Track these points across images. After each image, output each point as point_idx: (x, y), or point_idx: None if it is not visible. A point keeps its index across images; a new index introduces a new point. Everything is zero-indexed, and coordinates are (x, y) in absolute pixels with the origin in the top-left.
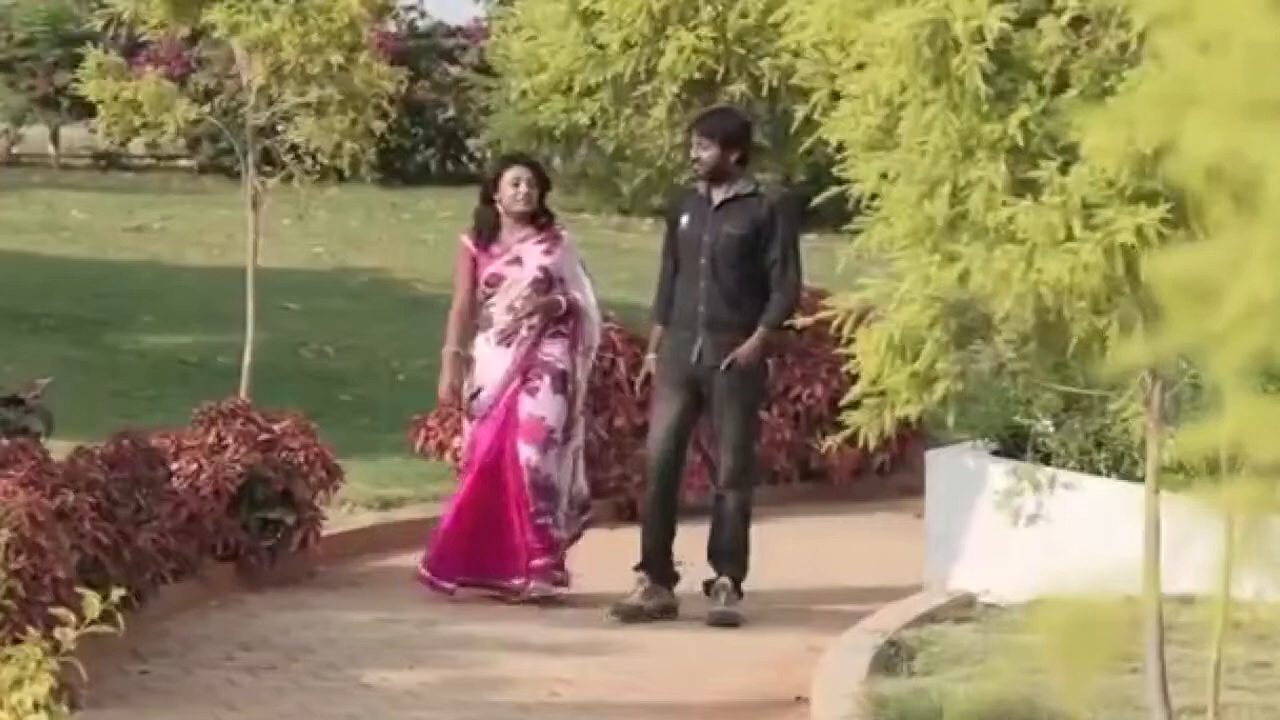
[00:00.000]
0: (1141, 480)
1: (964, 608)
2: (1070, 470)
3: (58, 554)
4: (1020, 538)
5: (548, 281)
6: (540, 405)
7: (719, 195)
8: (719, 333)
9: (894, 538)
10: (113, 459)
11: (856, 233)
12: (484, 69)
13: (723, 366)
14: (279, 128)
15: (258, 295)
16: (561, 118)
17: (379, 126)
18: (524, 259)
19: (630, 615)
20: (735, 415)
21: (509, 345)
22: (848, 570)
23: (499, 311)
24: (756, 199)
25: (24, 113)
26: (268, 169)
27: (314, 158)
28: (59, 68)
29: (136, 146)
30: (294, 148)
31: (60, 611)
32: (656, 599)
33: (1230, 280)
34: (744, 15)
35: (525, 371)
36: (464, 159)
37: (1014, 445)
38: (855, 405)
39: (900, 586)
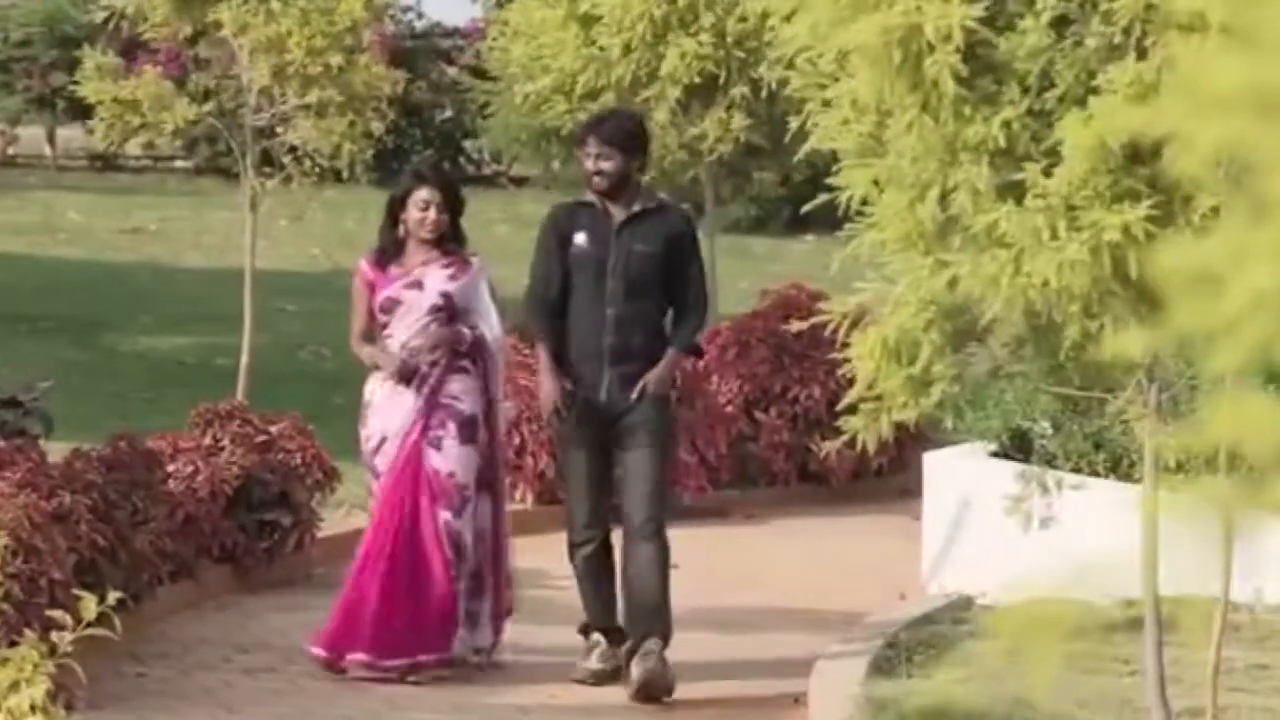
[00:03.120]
0: (1140, 481)
1: (962, 610)
2: (1069, 472)
3: (55, 556)
4: (1019, 540)
5: (449, 311)
6: (446, 459)
7: (620, 210)
8: (626, 364)
9: (892, 539)
10: (110, 461)
11: (851, 237)
12: (480, 72)
13: (633, 396)
14: (278, 129)
15: (255, 297)
16: (565, 118)
17: (377, 128)
18: (424, 283)
19: (597, 680)
20: (648, 454)
21: (409, 385)
22: (846, 572)
23: (396, 345)
24: (665, 212)
25: (20, 113)
26: (266, 170)
27: (312, 159)
28: (55, 68)
29: (133, 147)
30: (293, 149)
31: (57, 614)
32: (614, 660)
33: (1234, 274)
34: (743, 20)
35: (428, 417)
36: (461, 160)
37: (1012, 447)
38: (853, 409)
39: (898, 588)
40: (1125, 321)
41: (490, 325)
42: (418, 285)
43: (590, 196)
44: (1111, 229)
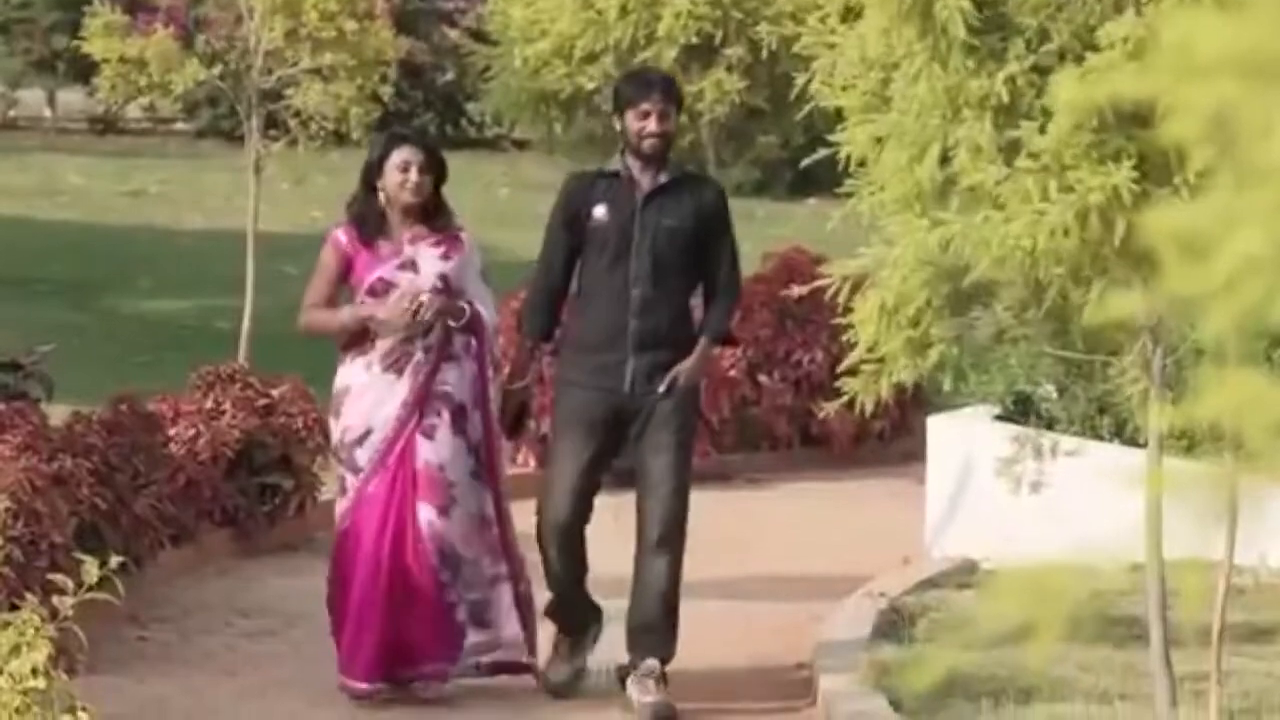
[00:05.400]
0: (1144, 446)
1: (965, 574)
2: (1073, 436)
3: (55, 520)
4: (1022, 504)
5: (448, 293)
6: (439, 449)
7: (649, 179)
8: (654, 352)
9: (895, 504)
10: (110, 424)
11: (850, 195)
12: (481, 35)
13: (661, 388)
14: (285, 92)
15: (257, 259)
16: (565, 82)
17: (386, 92)
18: (420, 264)
19: (567, 687)
20: (673, 452)
21: (400, 373)
22: (849, 536)
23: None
24: (696, 183)
25: (20, 76)
26: (271, 133)
27: (317, 122)
28: (56, 30)
29: (133, 110)
30: (298, 113)
31: (58, 577)
32: (579, 660)
33: (1223, 238)
34: None
35: (421, 407)
36: (463, 122)
37: (1017, 411)
38: (854, 371)
39: (902, 553)
40: (1125, 284)
41: (485, 303)
42: (412, 266)
43: (614, 164)
44: (1097, 190)
